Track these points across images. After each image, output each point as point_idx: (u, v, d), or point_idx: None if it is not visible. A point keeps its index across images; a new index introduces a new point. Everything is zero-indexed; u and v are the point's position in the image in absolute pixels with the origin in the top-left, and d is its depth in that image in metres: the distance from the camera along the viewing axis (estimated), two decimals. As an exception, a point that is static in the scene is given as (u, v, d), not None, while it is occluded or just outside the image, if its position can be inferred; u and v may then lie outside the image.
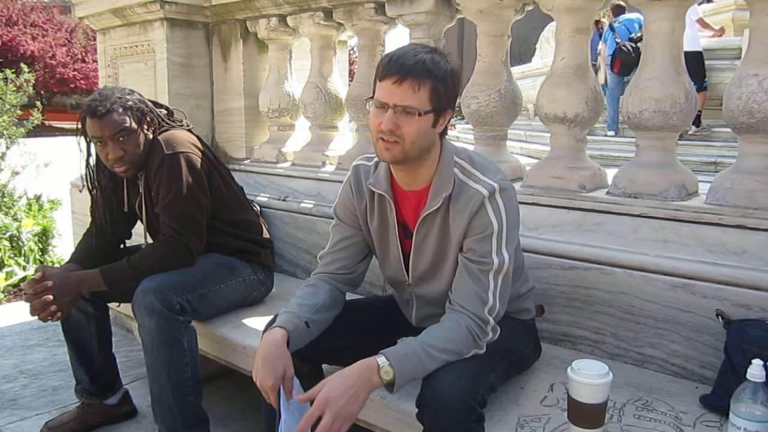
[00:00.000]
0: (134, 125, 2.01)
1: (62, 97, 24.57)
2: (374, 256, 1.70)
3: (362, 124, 2.64)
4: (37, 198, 4.82)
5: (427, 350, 1.35)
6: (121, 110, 1.98)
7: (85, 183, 2.20)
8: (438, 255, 1.53)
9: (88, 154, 2.14)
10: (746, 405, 1.23)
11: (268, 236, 2.38)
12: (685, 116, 1.79)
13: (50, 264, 4.16)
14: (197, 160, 2.08)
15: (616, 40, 7.75)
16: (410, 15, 2.30)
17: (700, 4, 8.12)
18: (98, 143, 2.01)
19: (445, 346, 1.37)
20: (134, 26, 3.06)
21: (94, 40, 4.29)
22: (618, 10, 8.12)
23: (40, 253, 4.23)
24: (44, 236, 4.32)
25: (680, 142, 2.14)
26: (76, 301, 2.02)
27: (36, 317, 1.93)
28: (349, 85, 2.73)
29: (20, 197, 4.79)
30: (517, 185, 2.01)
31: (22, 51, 20.92)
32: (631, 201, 1.84)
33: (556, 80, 2.00)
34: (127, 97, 2.03)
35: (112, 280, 2.00)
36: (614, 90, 7.88)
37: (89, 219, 2.26)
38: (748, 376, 1.23)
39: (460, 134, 11.49)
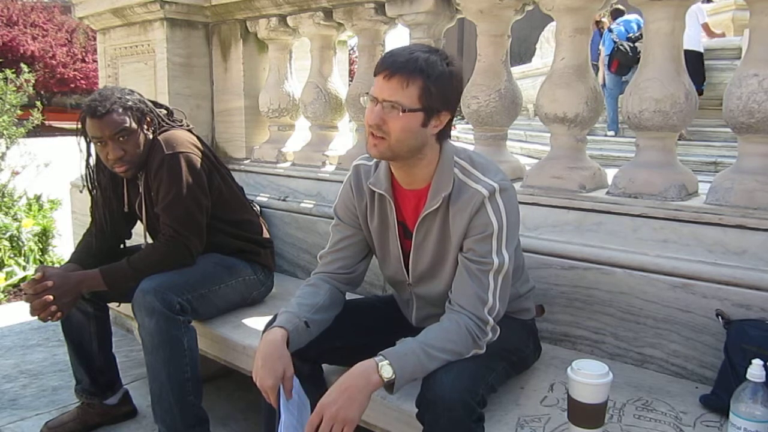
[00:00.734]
0: (134, 125, 2.01)
1: (62, 97, 24.58)
2: (374, 256, 1.70)
3: (362, 124, 2.64)
4: (37, 198, 4.82)
5: (426, 350, 1.35)
6: (121, 110, 1.98)
7: (85, 183, 2.21)
8: (438, 255, 1.53)
9: (88, 154, 2.14)
10: (746, 405, 1.23)
11: (268, 236, 2.38)
12: (685, 116, 1.79)
13: (50, 264, 4.16)
14: (197, 160, 2.08)
15: (614, 39, 7.75)
16: (410, 15, 2.30)
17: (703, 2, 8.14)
18: (98, 143, 2.01)
19: (445, 346, 1.37)
20: (134, 26, 3.06)
21: (94, 40, 4.28)
22: (616, 14, 8.14)
23: (40, 253, 4.23)
24: (44, 236, 4.32)
25: (679, 142, 2.14)
26: (76, 301, 2.02)
27: (36, 317, 1.93)
28: (349, 85, 2.73)
29: (20, 197, 4.79)
30: (517, 185, 2.02)
31: (22, 51, 20.90)
32: (631, 201, 1.84)
33: (556, 80, 2.00)
34: (127, 97, 2.03)
35: (112, 280, 2.00)
36: (612, 90, 7.86)
37: (89, 219, 2.27)
38: (748, 376, 1.23)
39: (460, 134, 11.48)
